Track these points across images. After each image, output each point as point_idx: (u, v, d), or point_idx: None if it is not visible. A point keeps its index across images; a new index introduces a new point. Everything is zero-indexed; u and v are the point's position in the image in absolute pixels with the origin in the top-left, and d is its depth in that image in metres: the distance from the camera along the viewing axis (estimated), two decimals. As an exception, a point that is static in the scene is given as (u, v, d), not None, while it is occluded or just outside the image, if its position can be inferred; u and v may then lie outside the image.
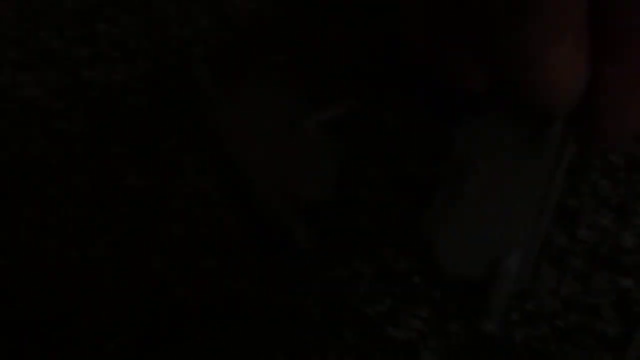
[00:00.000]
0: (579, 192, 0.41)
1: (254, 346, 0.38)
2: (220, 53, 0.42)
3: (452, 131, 0.38)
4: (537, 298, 0.38)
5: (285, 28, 0.43)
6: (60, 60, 0.42)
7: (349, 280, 0.39)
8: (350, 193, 0.41)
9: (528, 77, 0.29)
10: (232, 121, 0.41)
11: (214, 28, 0.43)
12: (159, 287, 0.39)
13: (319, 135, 0.41)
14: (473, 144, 0.38)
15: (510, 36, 0.27)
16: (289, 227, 0.40)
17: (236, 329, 0.38)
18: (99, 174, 0.40)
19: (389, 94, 0.41)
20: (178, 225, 0.40)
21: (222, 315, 0.39)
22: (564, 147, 0.35)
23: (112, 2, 0.43)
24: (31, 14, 0.43)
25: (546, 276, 0.39)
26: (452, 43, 0.32)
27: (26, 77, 0.42)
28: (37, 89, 0.41)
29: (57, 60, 0.42)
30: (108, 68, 0.42)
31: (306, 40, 0.42)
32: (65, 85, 0.42)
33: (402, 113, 0.41)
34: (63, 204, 0.40)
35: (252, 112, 0.42)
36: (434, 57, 0.33)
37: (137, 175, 0.40)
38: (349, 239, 0.40)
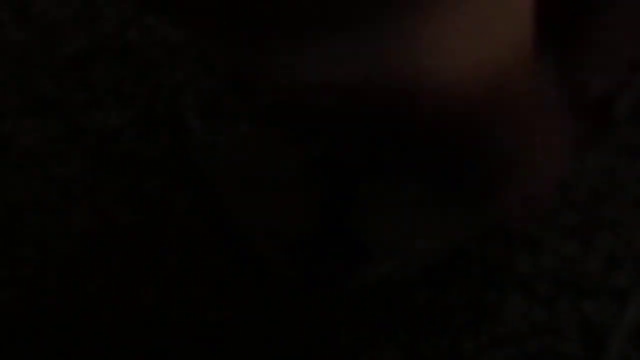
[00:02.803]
0: (544, 221, 0.43)
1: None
2: (208, 98, 0.45)
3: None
4: (506, 322, 0.41)
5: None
6: (57, 107, 0.45)
7: (326, 311, 0.42)
8: (332, 228, 0.43)
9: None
10: (219, 162, 0.44)
11: (202, 74, 0.46)
12: (151, 318, 0.42)
13: (301, 172, 0.44)
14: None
15: None
16: (272, 261, 0.43)
17: (224, 355, 0.41)
18: (94, 214, 0.43)
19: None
20: (169, 260, 0.43)
21: (211, 343, 0.41)
22: None
23: (105, 50, 0.46)
24: (29, 62, 0.46)
25: (514, 301, 0.41)
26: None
27: (25, 125, 0.45)
28: (35, 135, 0.44)
29: (54, 107, 0.45)
30: (103, 114, 0.45)
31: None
32: (61, 132, 0.45)
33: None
34: (61, 243, 0.43)
35: (238, 153, 0.44)
36: None
37: (130, 215, 0.43)
38: (329, 272, 0.43)
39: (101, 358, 0.41)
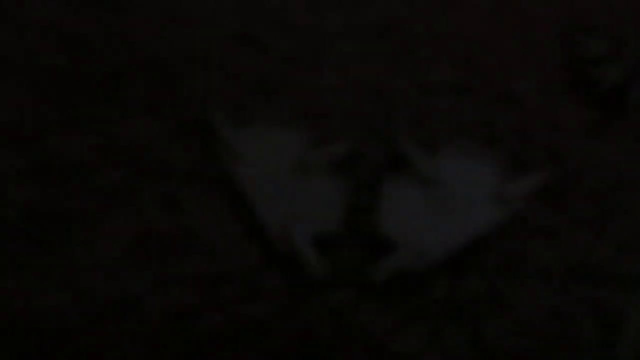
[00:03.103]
0: (559, 211, 0.46)
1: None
2: (235, 105, 0.47)
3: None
4: (524, 309, 0.44)
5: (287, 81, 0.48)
6: (94, 122, 0.48)
7: (354, 301, 0.45)
8: (357, 224, 0.46)
9: None
10: (248, 165, 0.47)
11: (228, 83, 0.48)
12: (190, 314, 0.45)
13: (326, 172, 0.47)
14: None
15: None
16: (303, 257, 0.46)
17: (258, 348, 0.44)
18: (136, 221, 0.46)
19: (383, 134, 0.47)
20: (205, 260, 0.46)
21: (245, 337, 0.44)
22: None
23: (134, 65, 0.49)
24: (64, 80, 0.49)
25: (530, 289, 0.44)
26: None
27: (69, 140, 0.47)
28: (77, 150, 0.47)
29: (92, 122, 0.48)
30: (136, 126, 0.47)
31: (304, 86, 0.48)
32: (100, 145, 0.47)
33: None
34: (107, 248, 0.46)
35: (265, 155, 0.47)
36: None
37: (168, 220, 0.46)
38: (355, 265, 0.45)
39: (144, 351, 0.44)
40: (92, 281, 0.45)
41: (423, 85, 0.50)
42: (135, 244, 0.46)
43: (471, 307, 0.44)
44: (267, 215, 0.46)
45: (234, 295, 0.45)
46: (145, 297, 0.45)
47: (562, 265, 0.44)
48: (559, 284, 0.44)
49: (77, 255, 0.46)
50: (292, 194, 0.46)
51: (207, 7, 0.48)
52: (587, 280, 0.44)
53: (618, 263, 0.44)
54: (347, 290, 0.45)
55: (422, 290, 0.45)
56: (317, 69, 0.48)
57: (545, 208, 0.46)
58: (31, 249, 0.46)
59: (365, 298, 0.45)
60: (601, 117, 0.49)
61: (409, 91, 0.50)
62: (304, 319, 0.44)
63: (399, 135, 0.47)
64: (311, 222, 0.46)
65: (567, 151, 0.47)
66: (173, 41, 0.48)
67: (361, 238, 0.46)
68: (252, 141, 0.47)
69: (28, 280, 0.45)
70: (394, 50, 0.50)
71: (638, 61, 0.49)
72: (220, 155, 0.47)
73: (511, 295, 0.44)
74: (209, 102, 0.47)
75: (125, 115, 0.48)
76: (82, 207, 0.47)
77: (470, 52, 0.51)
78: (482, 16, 0.52)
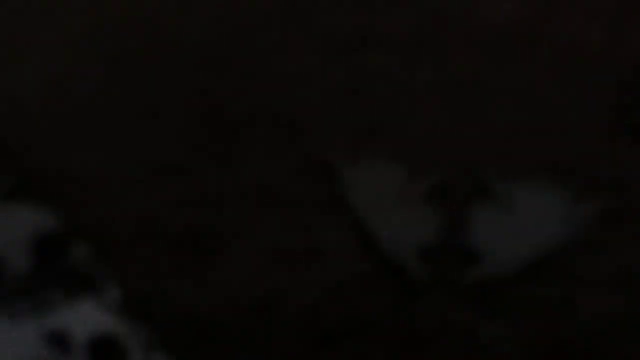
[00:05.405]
0: (620, 230, 0.55)
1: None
2: (346, 146, 0.55)
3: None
4: (585, 312, 0.55)
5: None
6: (223, 162, 0.55)
7: (448, 301, 0.56)
8: (451, 239, 0.56)
9: None
10: (362, 194, 0.56)
11: (338, 129, 0.54)
12: (319, 312, 0.57)
13: (423, 198, 0.55)
14: None
15: None
16: (409, 266, 0.56)
17: (373, 339, 0.57)
18: (266, 240, 0.56)
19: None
20: (328, 269, 0.57)
21: (361, 330, 0.57)
22: None
23: (255, 117, 0.54)
24: (199, 125, 0.55)
25: (593, 296, 0.55)
26: None
27: (200, 176, 0.55)
28: (209, 184, 0.55)
29: (220, 162, 0.55)
30: (261, 167, 0.55)
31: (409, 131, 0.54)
32: (229, 179, 0.55)
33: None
34: (247, 258, 0.56)
35: (374, 187, 0.56)
36: None
37: (295, 239, 0.56)
38: (449, 272, 0.56)
39: (281, 340, 0.57)
40: (239, 285, 0.57)
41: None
42: (270, 258, 0.57)
43: (544, 308, 0.56)
44: (379, 234, 0.56)
45: (352, 296, 0.57)
46: (280, 297, 0.57)
47: (627, 275, 0.54)
48: (623, 291, 0.55)
49: (224, 266, 0.57)
50: (399, 216, 0.56)
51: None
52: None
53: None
54: (442, 292, 0.56)
55: (502, 294, 0.56)
56: (411, 116, 0.54)
57: (608, 227, 0.54)
58: (186, 259, 0.57)
59: (456, 299, 0.56)
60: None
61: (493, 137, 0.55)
62: (409, 315, 0.57)
63: (485, 170, 0.55)
64: (415, 238, 0.56)
65: (627, 183, 0.54)
66: (291, 94, 0.54)
67: (454, 251, 0.56)
68: (364, 175, 0.55)
69: (186, 285, 0.57)
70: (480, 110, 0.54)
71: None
72: (340, 189, 0.55)
73: (580, 300, 0.55)
74: (327, 146, 0.55)
75: (249, 158, 0.55)
76: (221, 230, 0.57)
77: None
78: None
